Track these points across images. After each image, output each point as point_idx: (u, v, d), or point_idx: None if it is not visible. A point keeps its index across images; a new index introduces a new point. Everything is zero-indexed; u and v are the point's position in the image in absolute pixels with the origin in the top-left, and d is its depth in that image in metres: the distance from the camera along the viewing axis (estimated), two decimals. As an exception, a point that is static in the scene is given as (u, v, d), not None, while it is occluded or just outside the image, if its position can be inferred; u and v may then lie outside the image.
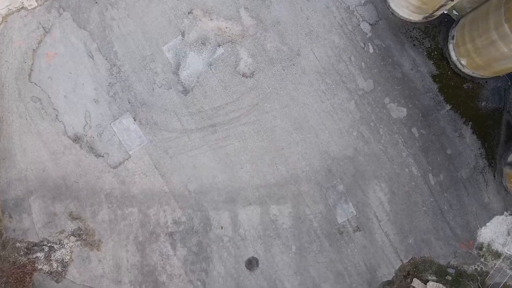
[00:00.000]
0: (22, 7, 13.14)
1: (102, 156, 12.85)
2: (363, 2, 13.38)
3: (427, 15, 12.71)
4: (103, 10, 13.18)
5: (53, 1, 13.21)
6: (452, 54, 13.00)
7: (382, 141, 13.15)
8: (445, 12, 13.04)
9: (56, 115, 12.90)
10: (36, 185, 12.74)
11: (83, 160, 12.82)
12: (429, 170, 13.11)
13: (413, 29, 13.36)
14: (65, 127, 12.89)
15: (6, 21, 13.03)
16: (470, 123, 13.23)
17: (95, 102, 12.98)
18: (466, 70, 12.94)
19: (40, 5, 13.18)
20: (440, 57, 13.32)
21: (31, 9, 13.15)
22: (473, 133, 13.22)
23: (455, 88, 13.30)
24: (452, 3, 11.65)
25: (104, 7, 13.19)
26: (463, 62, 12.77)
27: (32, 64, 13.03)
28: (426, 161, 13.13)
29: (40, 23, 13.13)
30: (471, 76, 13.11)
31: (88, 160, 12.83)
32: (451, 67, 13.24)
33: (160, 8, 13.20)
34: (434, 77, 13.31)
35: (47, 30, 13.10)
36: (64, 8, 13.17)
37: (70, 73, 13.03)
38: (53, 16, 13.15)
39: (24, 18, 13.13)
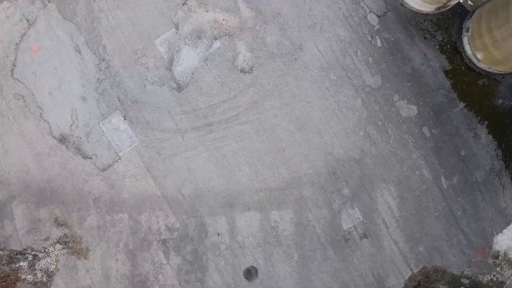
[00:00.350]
0: (5, -2, 12.26)
1: (90, 158, 11.99)
2: (370, -9, 12.44)
3: (440, 5, 11.78)
4: (90, 1, 12.27)
5: (38, -8, 12.32)
6: (467, 48, 12.08)
7: (391, 141, 12.25)
8: (461, 1, 12.10)
9: (41, 114, 12.03)
10: (19, 189, 11.88)
11: (69, 162, 11.96)
12: (441, 172, 12.21)
13: (424, 21, 12.43)
14: (50, 126, 12.02)
15: (-13, 13, 12.17)
16: (486, 122, 12.31)
17: (83, 99, 12.10)
18: (482, 65, 12.02)
19: (24, -4, 12.29)
20: (454, 51, 12.38)
21: (14, 0, 12.26)
22: (488, 133, 12.31)
23: (469, 84, 12.38)
24: (469, -9, 10.74)
25: (92, -3, 12.29)
26: (479, 56, 11.84)
27: (15, 59, 12.14)
28: (438, 163, 12.23)
29: (23, 15, 12.23)
30: (487, 72, 12.19)
31: (75, 162, 11.96)
32: (466, 62, 12.31)
33: (152, -2, 12.30)
34: (446, 73, 12.38)
35: (31, 22, 12.20)
36: (49, -1, 12.27)
37: (55, 68, 12.15)
38: (37, 7, 12.24)
39: (7, 10, 12.23)
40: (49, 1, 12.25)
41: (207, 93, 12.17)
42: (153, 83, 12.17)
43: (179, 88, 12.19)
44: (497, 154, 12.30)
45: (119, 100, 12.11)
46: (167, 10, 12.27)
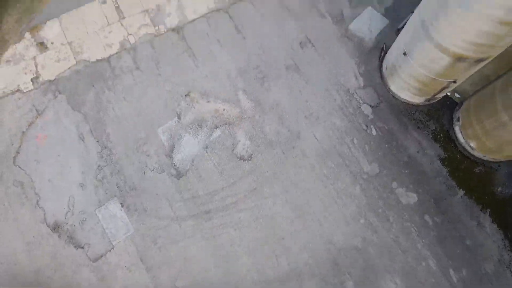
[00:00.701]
0: (18, 90, 12.99)
1: (82, 247, 11.54)
2: (362, 85, 13.24)
3: (429, 97, 12.43)
4: (99, 93, 13.00)
5: (50, 84, 13.10)
6: (460, 136, 12.44)
7: (393, 229, 11.92)
8: (448, 93, 12.80)
9: (37, 201, 11.91)
10: (5, 281, 11.22)
11: (60, 251, 11.49)
12: (449, 264, 11.65)
13: (415, 111, 13.01)
14: (45, 214, 11.81)
15: (-1, 104, 12.80)
16: (488, 210, 12.12)
17: (81, 186, 12.09)
18: (476, 153, 12.25)
19: (36, 88, 13.04)
20: (447, 140, 12.73)
21: (27, 91, 12.98)
22: (492, 222, 12.03)
23: (466, 172, 12.47)
24: (455, 85, 11.40)
25: (101, 90, 13.04)
26: (472, 145, 12.14)
27: (20, 146, 12.43)
28: (444, 253, 11.73)
29: (34, 106, 12.85)
30: (483, 160, 12.37)
31: (66, 252, 11.49)
32: (460, 150, 12.57)
33: (157, 91, 13.05)
34: (442, 161, 12.57)
35: (40, 112, 12.77)
36: (60, 91, 13.01)
37: (58, 156, 12.36)
38: (48, 98, 12.92)
39: (18, 101, 12.88)
40: (59, 93, 12.97)
41: (206, 180, 12.20)
42: (153, 170, 12.28)
43: (179, 175, 12.27)
44: (504, 245, 11.86)
45: (117, 187, 12.09)
46: (171, 101, 12.92)
